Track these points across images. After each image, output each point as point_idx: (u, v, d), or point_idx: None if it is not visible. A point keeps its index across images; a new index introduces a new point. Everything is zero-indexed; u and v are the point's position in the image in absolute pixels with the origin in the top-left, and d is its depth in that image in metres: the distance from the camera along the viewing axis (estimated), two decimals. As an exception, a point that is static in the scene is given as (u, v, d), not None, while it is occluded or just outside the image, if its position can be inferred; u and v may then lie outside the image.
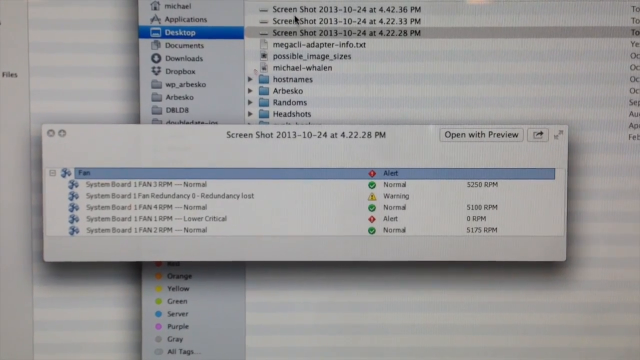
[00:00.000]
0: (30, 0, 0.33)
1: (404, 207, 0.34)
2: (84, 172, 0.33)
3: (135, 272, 0.35)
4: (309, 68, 0.34)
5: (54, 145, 0.33)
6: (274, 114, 0.34)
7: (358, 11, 0.34)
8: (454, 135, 0.33)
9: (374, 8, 0.33)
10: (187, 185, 0.33)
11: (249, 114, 0.34)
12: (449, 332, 0.35)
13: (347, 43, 0.34)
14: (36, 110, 0.34)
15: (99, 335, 0.35)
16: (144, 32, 0.33)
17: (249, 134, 0.33)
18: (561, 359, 0.35)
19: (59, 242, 0.33)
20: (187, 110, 0.34)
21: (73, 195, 0.33)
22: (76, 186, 0.33)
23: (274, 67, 0.34)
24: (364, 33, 0.34)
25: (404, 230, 0.34)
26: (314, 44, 0.34)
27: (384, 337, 0.35)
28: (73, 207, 0.33)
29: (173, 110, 0.34)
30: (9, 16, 0.33)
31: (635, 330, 0.35)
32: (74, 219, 0.33)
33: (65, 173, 0.33)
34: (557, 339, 0.35)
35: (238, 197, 0.33)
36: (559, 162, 0.33)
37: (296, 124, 0.34)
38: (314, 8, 0.34)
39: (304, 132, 0.33)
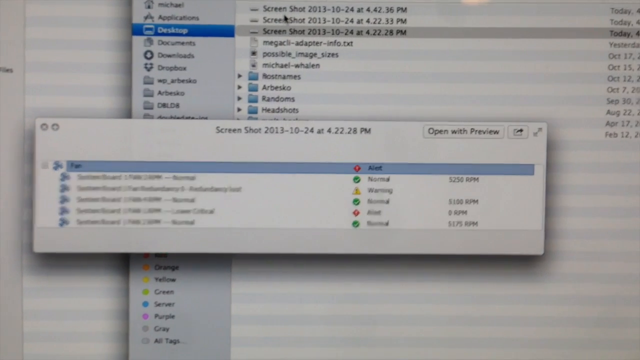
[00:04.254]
0: None
1: (388, 202, 0.34)
2: (75, 165, 0.33)
3: (123, 263, 0.35)
4: (297, 66, 0.34)
5: (47, 139, 0.33)
6: (263, 110, 0.34)
7: (346, 11, 0.34)
8: (437, 131, 0.33)
9: (362, 8, 0.34)
10: (176, 179, 0.33)
11: (238, 109, 0.34)
12: (429, 322, 0.35)
13: (334, 42, 0.34)
14: (31, 104, 0.34)
15: (87, 324, 0.35)
16: (137, 30, 0.34)
17: (238, 129, 0.33)
18: (538, 349, 0.35)
19: (48, 234, 0.33)
20: (177, 105, 0.34)
21: (64, 188, 0.33)
22: (67, 179, 0.33)
23: (263, 64, 0.34)
24: (352, 32, 0.34)
25: (387, 224, 0.34)
26: (302, 42, 0.34)
27: (365, 327, 0.35)
28: (64, 199, 0.33)
29: (164, 105, 0.34)
30: (6, 13, 0.33)
31: (610, 322, 0.35)
32: (64, 210, 0.33)
33: (57, 166, 0.33)
34: (535, 329, 0.35)
35: (226, 190, 0.33)
36: (538, 158, 0.34)
37: (284, 119, 0.34)
38: (303, 7, 0.34)
39: (291, 128, 0.33)
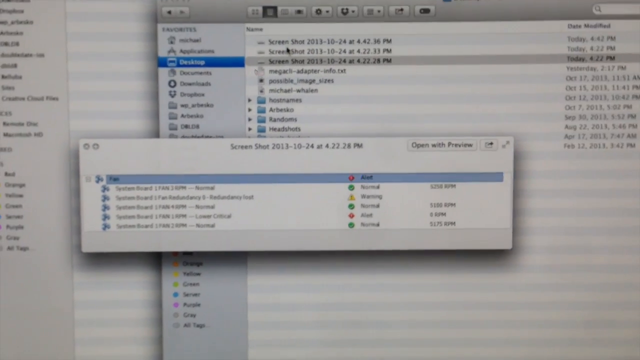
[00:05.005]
0: (69, 35, 0.34)
1: (378, 206, 0.35)
2: (114, 179, 0.35)
3: (156, 260, 0.36)
4: (298, 91, 0.35)
5: (89, 157, 0.34)
6: (270, 129, 0.35)
7: (339, 43, 0.34)
8: (419, 145, 0.34)
9: (353, 40, 0.34)
10: (198, 189, 0.35)
11: (249, 129, 0.35)
12: (415, 308, 0.36)
13: (330, 69, 0.35)
14: (74, 127, 0.35)
15: (127, 312, 0.36)
16: (162, 62, 0.35)
17: (250, 146, 0.34)
18: (507, 329, 0.36)
19: (94, 236, 0.35)
20: (198, 126, 0.35)
21: (105, 198, 0.35)
22: (107, 190, 0.35)
23: (269, 90, 0.35)
24: (345, 61, 0.35)
25: (378, 225, 0.35)
26: (302, 70, 0.35)
27: (361, 313, 0.36)
28: (105, 208, 0.35)
29: (186, 126, 0.35)
30: (52, 49, 0.34)
31: (567, 305, 0.36)
32: (106, 217, 0.35)
33: (98, 179, 0.34)
34: (504, 312, 0.36)
35: (241, 198, 0.34)
36: (506, 167, 0.34)
37: (288, 137, 0.35)
38: (303, 41, 0.34)
39: (294, 144, 0.34)
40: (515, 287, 0.36)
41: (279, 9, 0.35)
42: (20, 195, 0.35)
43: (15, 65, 0.35)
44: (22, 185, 0.35)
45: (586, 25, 0.35)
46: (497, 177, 0.35)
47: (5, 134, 0.35)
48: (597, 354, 0.37)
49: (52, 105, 0.35)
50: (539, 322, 0.37)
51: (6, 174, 0.35)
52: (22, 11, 0.34)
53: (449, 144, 0.35)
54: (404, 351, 0.37)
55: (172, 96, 0.35)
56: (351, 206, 0.35)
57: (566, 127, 0.35)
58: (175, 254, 0.36)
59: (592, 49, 0.35)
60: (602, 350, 0.37)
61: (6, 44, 0.35)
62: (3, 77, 0.35)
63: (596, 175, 0.35)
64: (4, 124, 0.35)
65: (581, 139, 0.35)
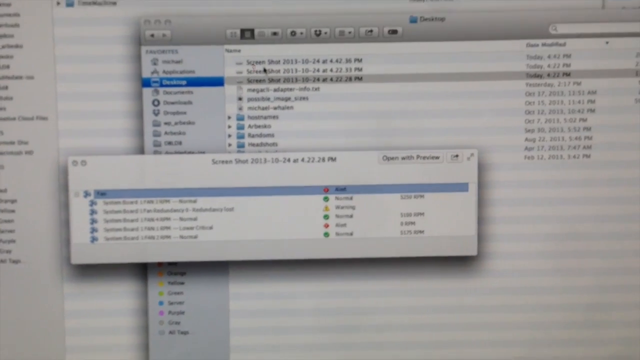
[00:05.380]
0: (57, 58, 0.35)
1: (351, 216, 0.35)
2: (101, 193, 0.35)
3: (142, 271, 0.36)
4: (275, 108, 0.35)
5: (78, 173, 0.35)
6: (249, 144, 0.36)
7: (313, 62, 0.35)
8: (389, 158, 0.35)
9: (326, 60, 0.35)
10: (181, 202, 0.35)
11: (229, 145, 0.36)
12: (387, 312, 0.37)
13: (305, 87, 0.35)
14: (63, 145, 0.35)
15: (115, 320, 0.36)
16: (146, 83, 0.35)
17: (230, 161, 0.35)
18: (472, 331, 0.37)
19: (82, 248, 0.35)
20: (180, 143, 0.35)
21: (93, 212, 0.35)
22: (95, 204, 0.35)
23: (248, 107, 0.35)
24: (318, 79, 0.35)
25: (351, 234, 0.36)
26: (279, 89, 0.35)
27: (338, 317, 0.37)
28: (93, 221, 0.35)
29: (170, 143, 0.35)
30: (41, 71, 0.35)
31: (528, 308, 0.37)
32: (94, 230, 0.35)
33: (86, 194, 0.35)
34: (470, 315, 0.37)
35: (222, 210, 0.35)
36: (471, 178, 0.35)
37: (266, 152, 0.35)
38: (279, 61, 0.35)
39: (272, 158, 0.35)
40: (481, 291, 0.37)
41: (256, 31, 0.35)
42: (12, 211, 0.36)
43: (6, 87, 0.35)
44: (13, 201, 0.36)
45: (543, 44, 0.36)
46: (462, 187, 0.36)
47: (-3, 153, 0.36)
48: (562, 355, 0.38)
49: (41, 124, 0.35)
50: (502, 324, 0.37)
51: (-2, 190, 0.36)
52: (12, 36, 0.35)
53: (417, 156, 0.35)
54: (375, 354, 0.37)
55: (156, 115, 0.36)
56: (326, 217, 0.36)
57: (526, 139, 0.36)
58: (160, 264, 0.36)
59: (549, 66, 0.36)
60: (566, 350, 0.38)
61: (-3, 67, 0.35)
62: (-6, 98, 0.35)
63: (555, 185, 0.36)
64: (-4, 143, 0.35)
65: (540, 151, 0.36)
